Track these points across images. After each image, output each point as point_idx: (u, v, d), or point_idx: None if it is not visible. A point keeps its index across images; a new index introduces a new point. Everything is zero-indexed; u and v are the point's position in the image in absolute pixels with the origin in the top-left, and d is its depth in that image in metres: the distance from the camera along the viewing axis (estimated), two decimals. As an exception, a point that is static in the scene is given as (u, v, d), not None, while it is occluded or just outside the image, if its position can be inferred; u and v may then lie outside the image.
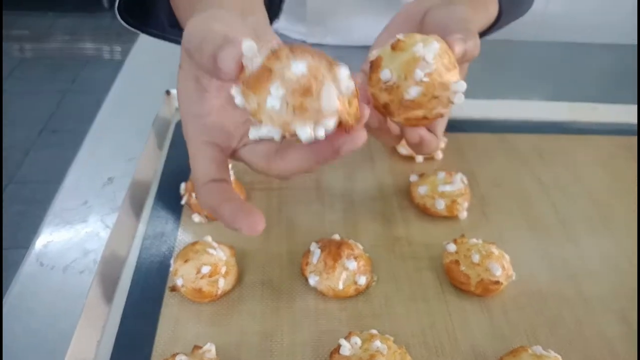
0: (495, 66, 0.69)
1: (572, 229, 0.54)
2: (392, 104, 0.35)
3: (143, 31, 0.59)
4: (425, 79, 0.33)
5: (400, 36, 0.35)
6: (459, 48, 0.37)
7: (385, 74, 0.35)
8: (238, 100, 0.29)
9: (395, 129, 0.42)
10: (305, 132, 0.27)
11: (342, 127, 0.28)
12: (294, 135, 0.27)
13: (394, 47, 0.35)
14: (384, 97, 0.35)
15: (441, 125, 0.43)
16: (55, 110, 2.18)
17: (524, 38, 0.85)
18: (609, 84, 0.80)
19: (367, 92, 0.37)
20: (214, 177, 0.34)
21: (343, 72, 0.28)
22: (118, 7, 0.55)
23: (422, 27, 0.44)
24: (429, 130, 0.41)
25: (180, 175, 0.56)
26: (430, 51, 0.33)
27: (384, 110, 0.36)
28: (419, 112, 0.35)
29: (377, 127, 0.40)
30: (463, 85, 0.35)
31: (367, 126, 0.37)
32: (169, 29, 0.57)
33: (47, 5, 2.95)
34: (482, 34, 0.53)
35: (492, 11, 0.54)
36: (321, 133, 0.27)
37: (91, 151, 0.58)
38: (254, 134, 0.29)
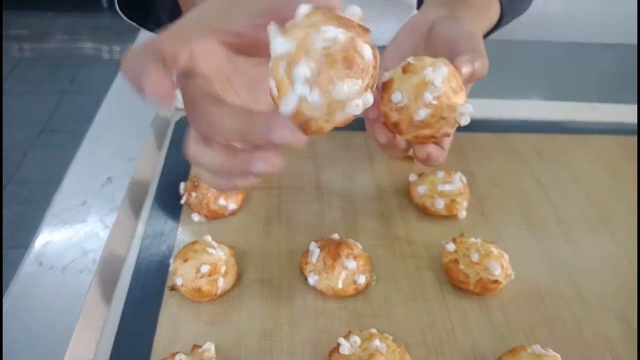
0: (494, 66, 0.69)
1: (571, 229, 0.54)
2: (402, 123, 0.37)
3: (143, 26, 0.59)
4: (434, 102, 0.36)
5: (411, 59, 0.37)
6: (466, 70, 0.38)
7: (396, 96, 0.37)
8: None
9: (402, 143, 0.42)
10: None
11: None
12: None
13: (404, 70, 0.37)
14: (394, 117, 0.37)
15: (448, 140, 0.43)
16: (54, 110, 2.18)
17: (523, 38, 0.85)
18: (609, 84, 0.80)
19: (378, 110, 0.39)
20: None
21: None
22: (119, 1, 0.55)
23: (429, 40, 0.45)
24: (436, 144, 0.42)
25: (180, 174, 0.56)
26: (439, 75, 0.35)
27: (393, 128, 0.38)
28: (427, 132, 0.37)
29: (386, 142, 0.41)
30: (469, 108, 0.37)
31: (377, 141, 0.40)
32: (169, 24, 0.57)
33: (46, 4, 2.95)
34: (484, 36, 0.53)
35: (494, 14, 0.54)
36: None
37: (90, 151, 0.58)
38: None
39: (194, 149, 0.32)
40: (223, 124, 0.29)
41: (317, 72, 0.27)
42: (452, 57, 0.39)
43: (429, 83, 0.36)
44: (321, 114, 0.28)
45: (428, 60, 0.37)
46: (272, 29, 0.28)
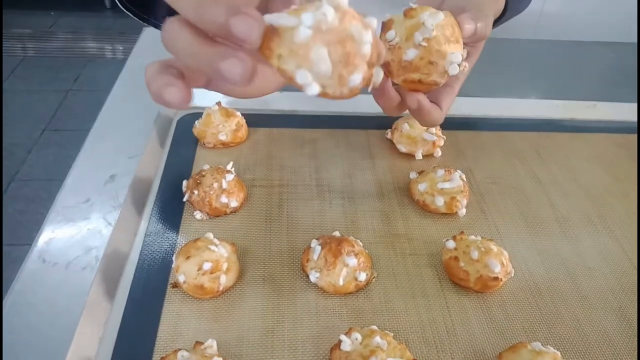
0: (493, 64, 0.69)
1: (570, 226, 0.54)
2: (393, 63, 0.38)
3: (144, 20, 0.59)
4: (424, 44, 0.36)
5: (413, 4, 0.38)
6: (468, 26, 0.39)
7: (390, 34, 0.38)
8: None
9: (395, 96, 0.42)
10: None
11: None
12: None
13: (405, 14, 0.38)
14: (386, 56, 0.38)
15: (447, 99, 0.43)
16: (57, 109, 2.19)
17: (522, 36, 0.86)
18: (607, 82, 0.80)
19: None
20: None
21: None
22: None
23: (442, 6, 0.44)
24: (432, 102, 0.42)
25: (182, 172, 0.57)
26: (434, 19, 0.36)
27: (385, 69, 0.38)
28: (415, 75, 0.38)
29: (378, 87, 0.39)
30: (458, 57, 0.37)
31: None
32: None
33: (50, 4, 2.96)
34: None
35: (501, 3, 0.54)
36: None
37: (93, 149, 0.58)
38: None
39: (173, 25, 0.30)
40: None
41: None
42: (456, 15, 0.39)
43: (422, 25, 0.36)
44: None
45: (430, 8, 0.37)
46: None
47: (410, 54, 0.36)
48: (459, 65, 0.37)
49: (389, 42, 0.38)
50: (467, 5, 0.43)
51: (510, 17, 0.57)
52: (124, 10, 0.57)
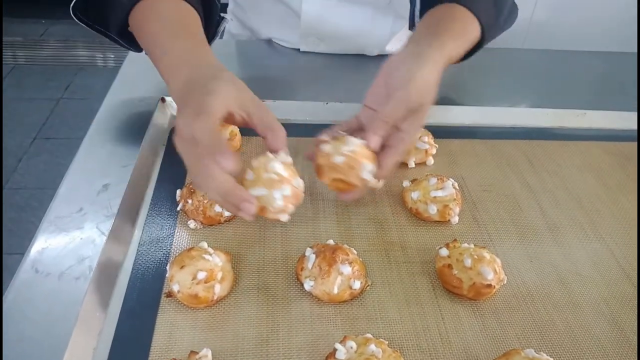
0: (483, 74, 0.70)
1: (561, 234, 0.55)
2: (323, 166, 0.50)
3: (96, 31, 0.60)
4: (348, 153, 0.49)
5: (342, 133, 0.52)
6: (373, 145, 0.51)
7: (324, 147, 0.51)
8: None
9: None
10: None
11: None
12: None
13: (334, 138, 0.52)
14: (320, 161, 0.51)
15: (387, 159, 0.51)
16: (48, 117, 2.18)
17: (512, 46, 0.87)
18: (596, 91, 0.81)
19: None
20: None
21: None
22: (74, 5, 0.57)
23: (389, 80, 0.53)
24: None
25: (176, 181, 0.57)
26: (354, 143, 0.50)
27: (317, 171, 0.51)
28: (339, 175, 0.50)
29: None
30: (369, 166, 0.49)
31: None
32: (117, 36, 0.59)
33: (41, 12, 2.95)
34: (469, 54, 0.60)
35: (473, 36, 0.58)
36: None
37: (86, 158, 0.58)
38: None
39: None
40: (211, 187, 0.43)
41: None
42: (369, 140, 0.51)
43: (346, 142, 0.50)
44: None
45: (354, 138, 0.51)
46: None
47: (338, 159, 0.49)
48: (370, 173, 0.50)
49: (324, 152, 0.50)
50: (401, 86, 0.50)
51: (490, 39, 0.59)
52: (76, 20, 0.59)
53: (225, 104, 0.45)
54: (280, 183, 0.46)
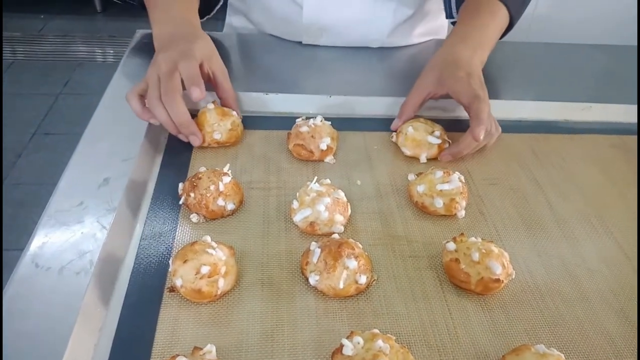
0: (488, 67, 0.69)
1: (569, 227, 0.54)
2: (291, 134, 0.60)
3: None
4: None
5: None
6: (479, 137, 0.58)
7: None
8: None
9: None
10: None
11: None
12: None
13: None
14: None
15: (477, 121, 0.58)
16: (47, 113, 2.16)
17: (516, 39, 0.86)
18: (601, 84, 0.80)
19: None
20: None
21: None
22: None
23: (439, 85, 0.63)
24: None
25: (178, 175, 0.56)
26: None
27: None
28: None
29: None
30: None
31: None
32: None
33: (39, 7, 2.93)
34: (501, 37, 0.69)
35: (503, 21, 0.65)
36: None
37: (86, 152, 0.57)
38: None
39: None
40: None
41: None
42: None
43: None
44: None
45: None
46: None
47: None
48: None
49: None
50: (458, 96, 0.60)
51: (518, 18, 0.68)
52: None
53: (202, 56, 0.58)
54: (320, 197, 0.50)
